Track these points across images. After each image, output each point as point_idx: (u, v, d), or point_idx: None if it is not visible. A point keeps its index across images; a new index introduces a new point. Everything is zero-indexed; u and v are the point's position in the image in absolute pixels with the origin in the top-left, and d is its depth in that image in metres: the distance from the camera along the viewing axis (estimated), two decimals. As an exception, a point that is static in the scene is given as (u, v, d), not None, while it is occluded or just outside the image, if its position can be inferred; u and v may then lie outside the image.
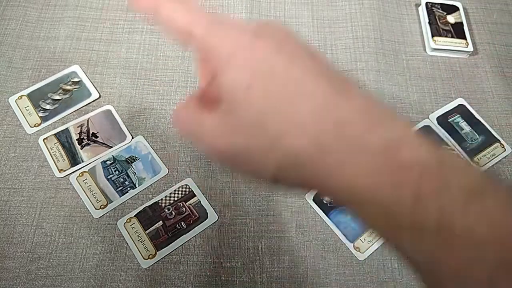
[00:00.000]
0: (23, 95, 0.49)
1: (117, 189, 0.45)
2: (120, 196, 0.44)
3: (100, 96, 0.50)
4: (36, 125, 0.47)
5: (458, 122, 0.50)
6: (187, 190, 0.45)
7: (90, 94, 0.50)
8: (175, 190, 0.45)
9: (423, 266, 0.18)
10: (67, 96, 0.49)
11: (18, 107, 0.48)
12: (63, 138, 0.47)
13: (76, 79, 0.50)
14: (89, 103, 0.49)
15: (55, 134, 0.47)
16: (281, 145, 0.19)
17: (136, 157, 0.47)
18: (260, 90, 0.19)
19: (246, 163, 0.21)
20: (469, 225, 0.16)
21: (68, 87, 0.50)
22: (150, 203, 0.44)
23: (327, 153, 0.18)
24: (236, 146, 0.20)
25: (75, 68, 0.51)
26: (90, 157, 0.46)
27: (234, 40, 0.21)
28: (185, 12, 0.22)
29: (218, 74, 0.20)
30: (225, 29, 0.21)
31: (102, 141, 0.47)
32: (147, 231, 0.43)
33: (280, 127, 0.19)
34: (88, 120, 0.48)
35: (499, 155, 0.48)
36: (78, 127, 0.48)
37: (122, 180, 0.45)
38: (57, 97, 0.49)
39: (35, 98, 0.49)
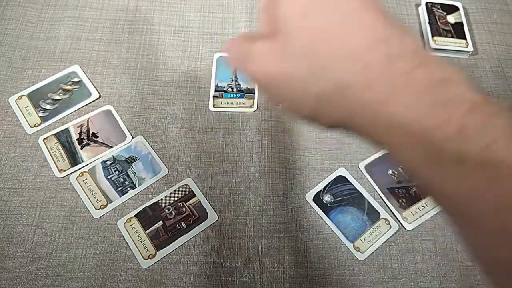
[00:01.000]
0: (23, 95, 0.49)
1: (117, 189, 0.45)
2: (120, 196, 0.44)
3: (100, 96, 0.50)
4: (36, 125, 0.47)
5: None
6: (187, 190, 0.45)
7: (90, 94, 0.50)
8: (175, 190, 0.45)
9: (457, 205, 0.18)
10: (67, 96, 0.49)
11: (18, 107, 0.48)
12: (63, 138, 0.47)
13: (76, 79, 0.50)
14: (89, 103, 0.49)
15: (55, 134, 0.47)
16: (329, 73, 0.19)
17: (136, 157, 0.47)
18: (316, 17, 0.19)
19: (288, 92, 0.21)
20: None
21: (68, 87, 0.50)
22: (150, 203, 0.44)
23: (374, 83, 0.18)
24: (282, 71, 0.20)
25: (75, 68, 0.51)
26: (90, 157, 0.46)
27: None
28: None
29: (277, 7, 0.21)
30: None
31: (102, 141, 0.47)
32: (147, 231, 0.43)
33: (332, 53, 0.19)
34: (88, 120, 0.48)
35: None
36: (78, 127, 0.48)
37: (122, 180, 0.45)
38: (57, 97, 0.49)
39: (35, 98, 0.49)
